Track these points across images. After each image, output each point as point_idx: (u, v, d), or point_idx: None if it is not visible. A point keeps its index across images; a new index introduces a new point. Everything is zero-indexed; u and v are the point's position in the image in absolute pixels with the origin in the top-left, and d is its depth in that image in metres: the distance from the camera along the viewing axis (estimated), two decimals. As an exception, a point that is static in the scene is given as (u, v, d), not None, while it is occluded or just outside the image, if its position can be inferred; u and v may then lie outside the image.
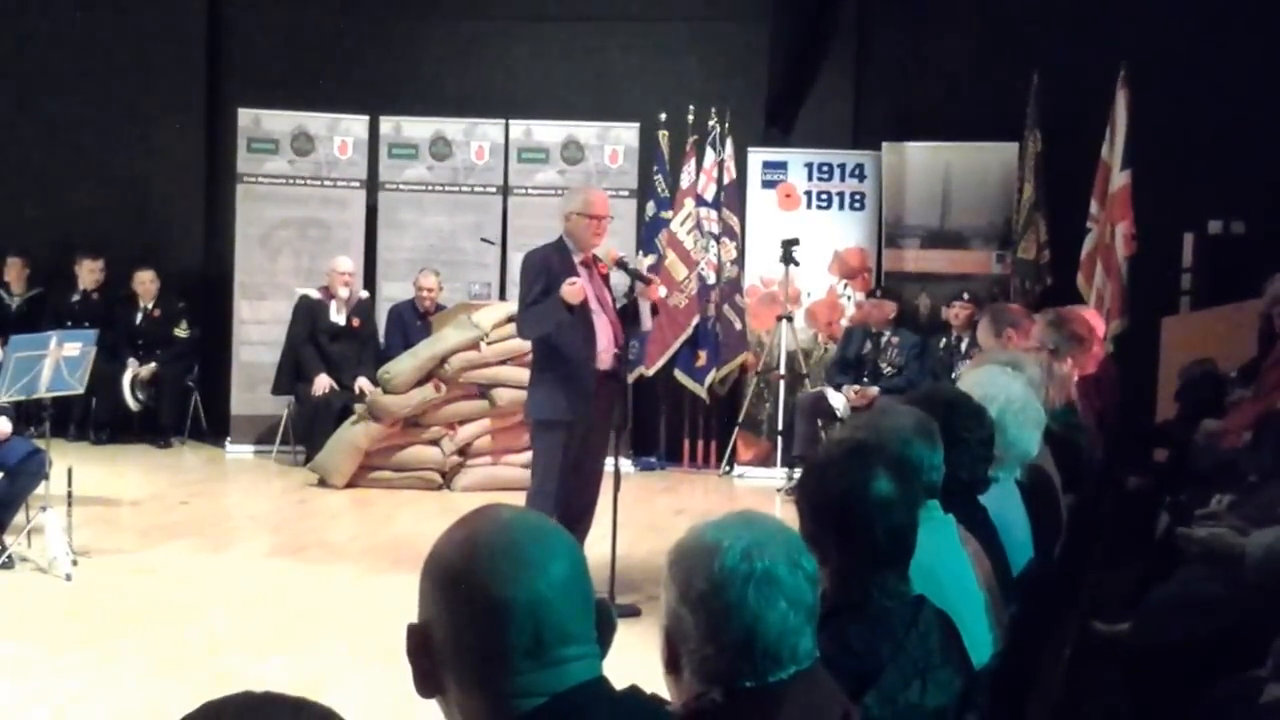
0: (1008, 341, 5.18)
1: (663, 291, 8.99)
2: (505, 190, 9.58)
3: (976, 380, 3.59)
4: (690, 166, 9.24)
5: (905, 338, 8.70)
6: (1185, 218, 8.49)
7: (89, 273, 9.67)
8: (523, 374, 7.80)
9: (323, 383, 8.78)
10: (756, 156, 9.36)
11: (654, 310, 5.87)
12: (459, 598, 1.47)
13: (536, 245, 5.93)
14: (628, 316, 5.71)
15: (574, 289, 5.38)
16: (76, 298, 9.68)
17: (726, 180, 9.26)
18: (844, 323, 9.14)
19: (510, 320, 8.03)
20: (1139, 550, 5.14)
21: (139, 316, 9.65)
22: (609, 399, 5.58)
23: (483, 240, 9.37)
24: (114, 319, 9.49)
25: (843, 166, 9.31)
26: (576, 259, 5.60)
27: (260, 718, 1.20)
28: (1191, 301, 8.42)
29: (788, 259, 8.68)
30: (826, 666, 1.81)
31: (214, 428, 9.72)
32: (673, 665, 1.74)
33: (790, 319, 8.88)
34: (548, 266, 5.56)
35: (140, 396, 9.36)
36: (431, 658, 1.49)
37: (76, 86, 10.02)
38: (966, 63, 9.13)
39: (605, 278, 5.71)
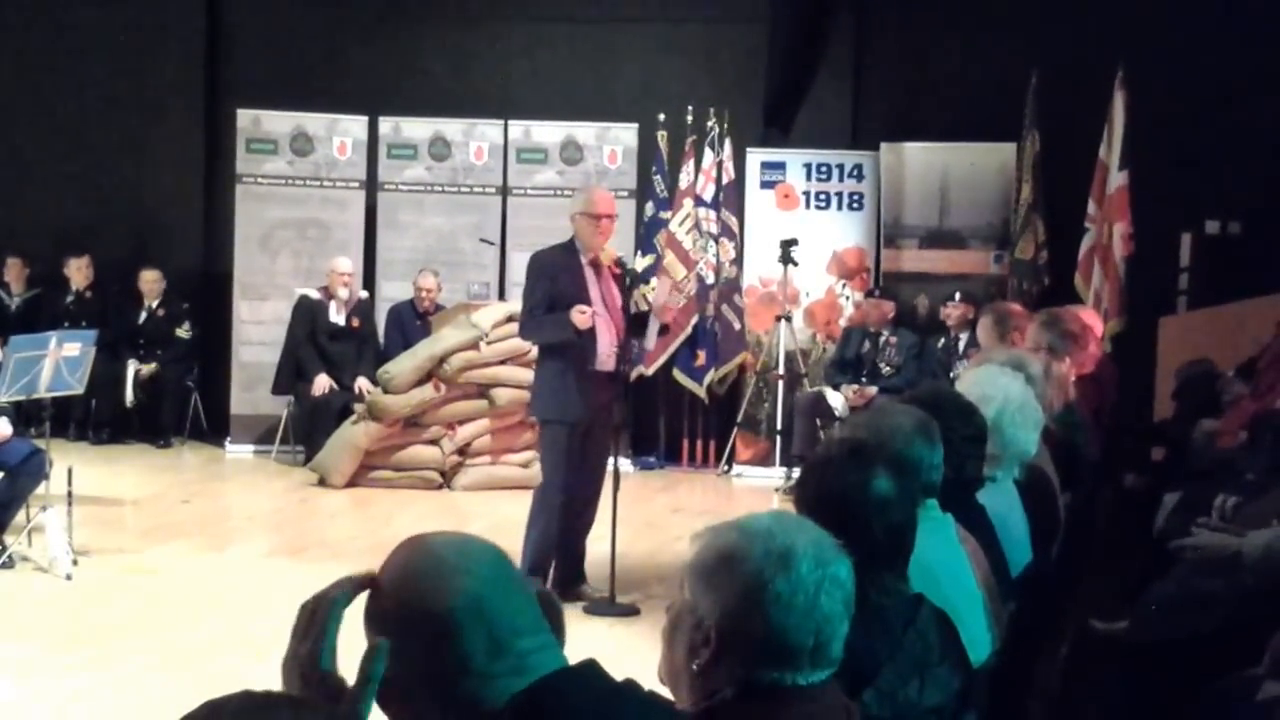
0: (1010, 346, 5.18)
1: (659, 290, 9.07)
2: (504, 191, 9.59)
3: (975, 380, 3.60)
4: (689, 167, 9.25)
5: (904, 338, 8.72)
6: (1183, 218, 8.50)
7: (77, 271, 9.68)
8: (522, 374, 7.85)
9: (322, 383, 8.79)
10: (755, 157, 9.37)
11: (663, 330, 5.91)
12: (405, 631, 1.50)
13: (535, 246, 5.96)
14: (635, 323, 5.72)
15: (583, 318, 5.42)
16: (70, 298, 9.69)
17: (725, 181, 9.27)
18: (842, 323, 9.16)
19: (510, 320, 8.04)
20: (1136, 548, 5.15)
21: (143, 315, 9.66)
22: (610, 399, 5.60)
23: (482, 241, 9.38)
24: (111, 318, 9.50)
25: (841, 167, 9.32)
26: (584, 259, 5.62)
27: (260, 717, 1.20)
28: (1189, 301, 8.44)
29: (786, 259, 8.69)
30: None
31: (214, 427, 9.72)
32: (713, 662, 1.74)
33: (789, 319, 8.89)
34: (552, 269, 5.58)
35: (138, 394, 9.37)
36: (407, 704, 1.51)
37: (76, 87, 10.03)
38: (964, 63, 9.14)
39: (617, 278, 5.71)
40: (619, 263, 5.76)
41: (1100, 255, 8.44)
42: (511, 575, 1.55)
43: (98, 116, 10.04)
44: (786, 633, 1.72)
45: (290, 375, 9.02)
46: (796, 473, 8.11)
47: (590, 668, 1.55)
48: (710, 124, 9.21)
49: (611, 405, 5.61)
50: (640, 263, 8.99)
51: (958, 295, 8.64)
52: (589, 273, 5.63)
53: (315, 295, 9.06)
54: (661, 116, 9.31)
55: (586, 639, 4.63)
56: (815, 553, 1.75)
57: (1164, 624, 3.46)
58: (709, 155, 9.24)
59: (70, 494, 6.05)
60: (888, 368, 8.63)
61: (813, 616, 1.73)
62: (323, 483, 8.23)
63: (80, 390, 6.58)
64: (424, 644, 1.49)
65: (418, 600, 1.50)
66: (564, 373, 5.56)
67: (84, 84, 10.03)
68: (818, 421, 8.44)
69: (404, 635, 1.50)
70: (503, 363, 8.27)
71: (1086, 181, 8.54)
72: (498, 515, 6.97)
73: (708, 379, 9.23)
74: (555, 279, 5.56)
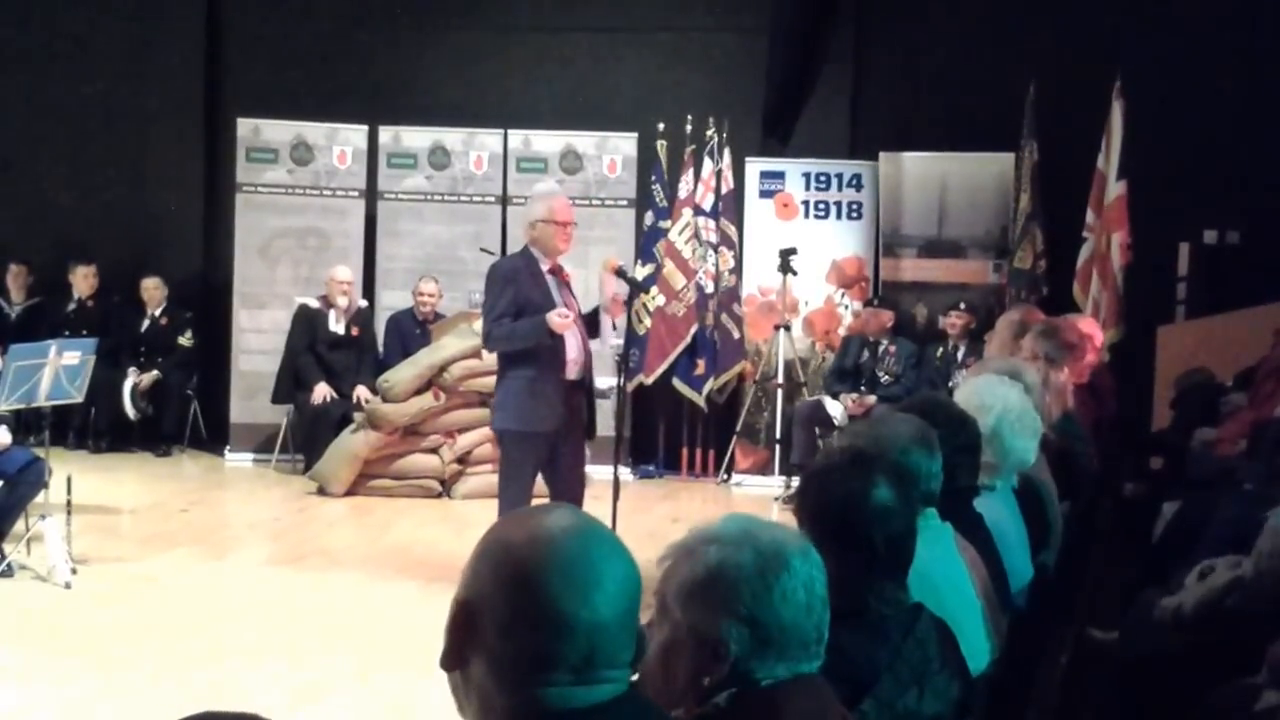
0: (1019, 350, 5.19)
1: (661, 300, 9.09)
2: (504, 200, 9.60)
3: (974, 389, 3.61)
4: (688, 176, 9.26)
5: (902, 347, 8.74)
6: (1180, 227, 8.52)
7: (83, 279, 9.70)
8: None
9: (321, 391, 8.79)
10: (754, 166, 9.39)
11: (638, 316, 5.83)
12: (522, 597, 1.45)
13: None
14: (589, 322, 5.69)
15: (564, 322, 5.38)
16: (72, 306, 9.71)
17: (724, 190, 9.28)
18: (841, 332, 9.17)
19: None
20: (1135, 557, 5.16)
21: (145, 324, 9.67)
22: (578, 407, 5.59)
23: (482, 250, 9.38)
24: (113, 326, 9.51)
25: (840, 176, 9.34)
26: (544, 267, 5.60)
27: None
28: (1187, 311, 8.45)
29: (785, 268, 8.71)
30: (824, 673, 1.82)
31: (213, 436, 9.73)
32: (728, 674, 1.73)
33: (788, 328, 8.90)
34: (515, 278, 5.54)
35: (139, 405, 9.37)
36: (470, 638, 1.47)
37: (76, 96, 10.06)
38: (963, 73, 9.16)
39: (568, 285, 5.70)
40: (620, 271, 5.75)
41: (1098, 264, 8.46)
42: (635, 608, 1.51)
43: (98, 125, 10.06)
44: (798, 629, 1.74)
45: (290, 384, 9.03)
46: (796, 482, 8.12)
47: (650, 704, 1.54)
48: (709, 133, 9.23)
49: (580, 413, 5.59)
50: (640, 272, 9.00)
51: (961, 305, 8.66)
52: (550, 280, 5.61)
53: (315, 304, 9.07)
54: (661, 126, 9.32)
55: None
56: (798, 546, 1.78)
57: (1156, 632, 3.46)
58: (708, 164, 9.26)
59: (69, 502, 6.05)
60: (886, 377, 8.65)
61: (813, 607, 1.75)
62: (322, 491, 8.23)
63: (80, 399, 6.58)
64: (527, 621, 1.44)
65: (551, 583, 1.44)
66: (536, 381, 5.46)
67: (84, 93, 10.06)
68: (817, 430, 8.45)
69: (515, 598, 1.45)
70: (502, 371, 8.27)
71: (1085, 191, 8.56)
72: (497, 524, 6.95)
73: (707, 388, 9.23)
74: (518, 287, 5.52)
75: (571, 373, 5.54)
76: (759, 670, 1.73)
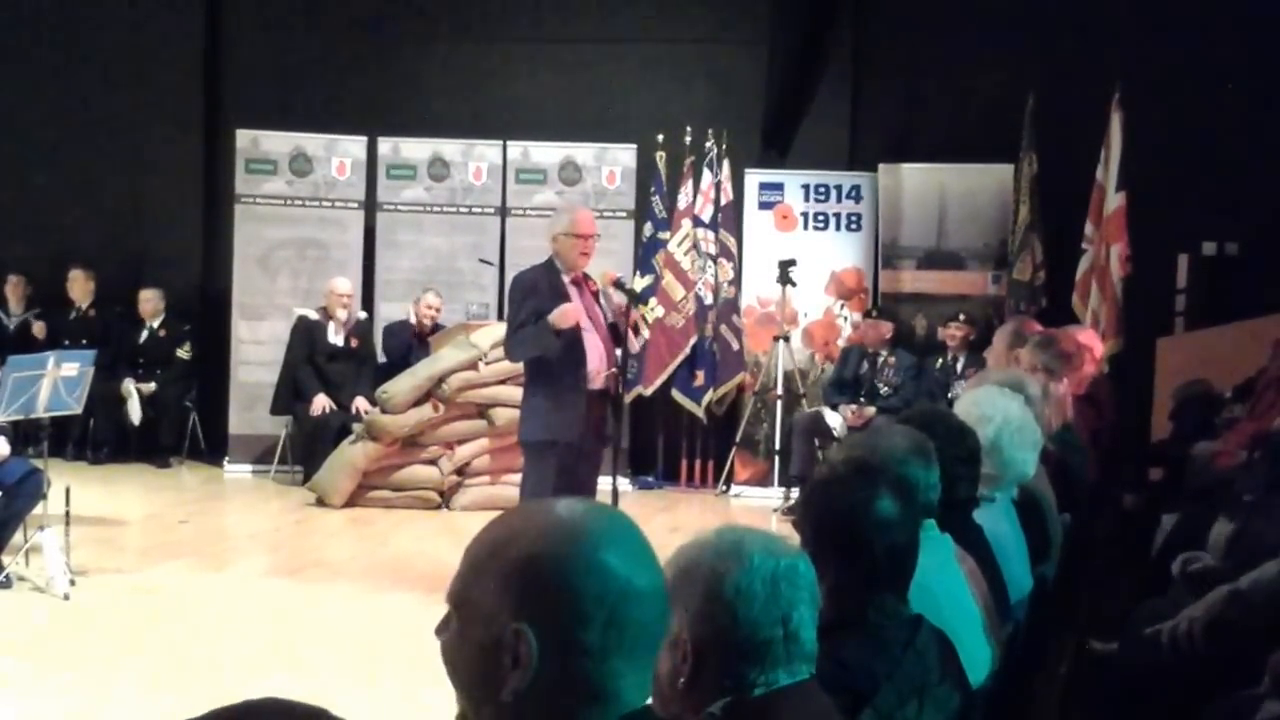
0: (1014, 361, 5.20)
1: (660, 311, 9.10)
2: (503, 211, 9.62)
3: (974, 400, 3.61)
4: (688, 187, 9.27)
5: (902, 358, 8.74)
6: (1180, 239, 8.53)
7: (81, 283, 9.69)
8: (521, 394, 7.84)
9: (320, 403, 8.79)
10: (753, 178, 9.40)
11: (634, 329, 5.88)
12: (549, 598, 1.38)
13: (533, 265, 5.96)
14: (616, 334, 5.72)
15: (564, 314, 5.39)
16: (73, 315, 9.72)
17: (724, 201, 9.29)
18: (841, 343, 9.17)
19: (509, 340, 8.04)
20: (1134, 568, 5.15)
21: (144, 335, 9.68)
22: (601, 417, 5.59)
23: (481, 261, 9.40)
24: (112, 337, 9.52)
25: (839, 188, 9.35)
26: (566, 279, 5.62)
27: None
28: (1186, 322, 8.46)
29: (785, 280, 8.71)
30: (822, 684, 1.82)
31: (212, 448, 9.72)
32: (694, 675, 1.74)
33: (787, 339, 8.90)
34: (536, 288, 5.58)
35: (146, 411, 9.38)
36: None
37: (75, 107, 10.07)
38: (962, 84, 9.18)
39: (596, 295, 5.72)
40: (618, 283, 5.76)
41: (1098, 276, 8.46)
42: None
43: (98, 137, 10.07)
44: (755, 625, 1.73)
45: (289, 395, 9.03)
46: (795, 493, 8.12)
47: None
48: (709, 145, 9.24)
49: (603, 424, 5.61)
50: (639, 283, 9.00)
51: (960, 316, 8.67)
52: (573, 291, 5.63)
53: (314, 316, 9.07)
54: (660, 137, 9.34)
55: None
56: (764, 544, 1.79)
57: (1155, 648, 3.45)
58: (707, 176, 9.27)
59: (68, 514, 6.04)
60: (886, 388, 8.64)
61: (776, 603, 1.74)
62: (321, 502, 8.22)
63: (78, 410, 6.57)
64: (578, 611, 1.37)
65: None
66: (558, 391, 5.51)
67: (84, 105, 10.07)
68: (816, 441, 8.45)
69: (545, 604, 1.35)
70: (502, 382, 8.27)
71: (1084, 202, 8.57)
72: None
73: (706, 399, 9.23)
74: (538, 297, 5.55)
75: (595, 382, 5.55)
76: (728, 671, 1.73)
